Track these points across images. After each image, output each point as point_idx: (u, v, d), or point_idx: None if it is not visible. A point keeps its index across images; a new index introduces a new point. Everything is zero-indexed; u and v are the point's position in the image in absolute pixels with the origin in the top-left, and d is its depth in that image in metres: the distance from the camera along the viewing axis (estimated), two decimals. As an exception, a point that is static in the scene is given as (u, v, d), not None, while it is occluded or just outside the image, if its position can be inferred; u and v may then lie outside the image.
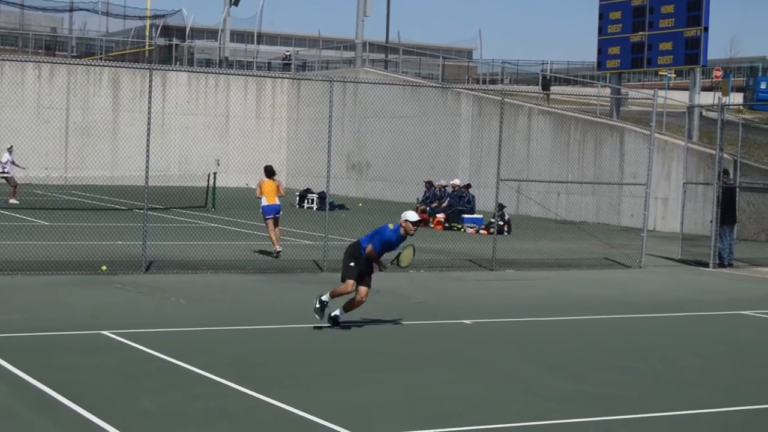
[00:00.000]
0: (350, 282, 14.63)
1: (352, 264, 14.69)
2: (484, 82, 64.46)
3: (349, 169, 51.68)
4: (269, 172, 24.37)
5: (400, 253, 15.11)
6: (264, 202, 23.89)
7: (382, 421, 10.02)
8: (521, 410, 10.71)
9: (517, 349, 14.31)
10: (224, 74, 56.68)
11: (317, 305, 14.67)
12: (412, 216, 14.89)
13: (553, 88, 55.27)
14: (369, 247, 14.65)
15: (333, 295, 14.72)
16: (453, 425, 9.98)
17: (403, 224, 14.74)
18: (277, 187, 24.07)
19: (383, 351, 13.78)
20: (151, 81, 21.17)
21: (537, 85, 55.34)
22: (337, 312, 14.88)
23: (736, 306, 19.28)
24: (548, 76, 58.97)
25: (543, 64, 70.47)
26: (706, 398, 11.64)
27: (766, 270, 25.33)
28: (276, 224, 23.85)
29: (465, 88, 49.21)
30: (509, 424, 10.10)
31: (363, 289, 14.73)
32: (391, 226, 14.83)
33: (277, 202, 23.97)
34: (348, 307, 14.88)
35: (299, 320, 15.64)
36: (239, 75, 57.12)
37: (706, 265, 25.58)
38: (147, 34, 72.68)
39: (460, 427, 9.94)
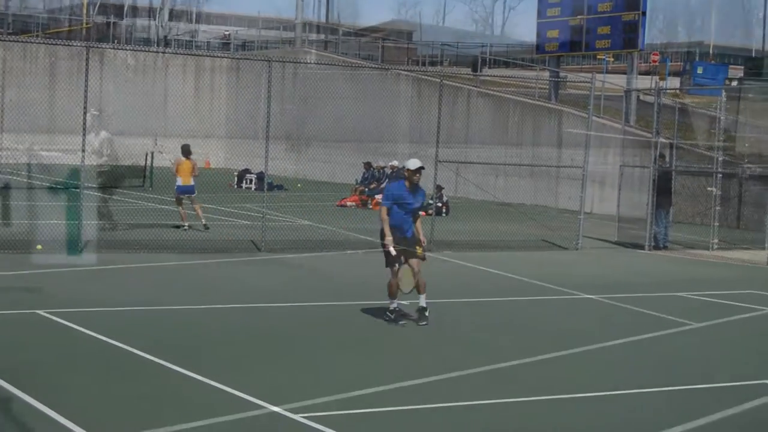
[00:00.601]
0: (394, 270, 14.06)
1: (384, 251, 14.09)
2: (423, 64, 64.48)
3: (287, 150, 51.50)
4: (186, 151, 24.99)
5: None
6: (179, 182, 24.84)
7: (311, 400, 10.02)
8: (443, 391, 10.81)
9: (447, 330, 14.35)
10: (162, 53, 56.25)
11: (389, 316, 14.25)
12: (411, 164, 14.45)
13: (492, 71, 55.43)
14: (381, 210, 14.12)
15: (391, 295, 14.16)
16: (379, 406, 10.07)
17: (406, 174, 14.39)
18: (192, 167, 24.96)
19: (316, 331, 13.75)
20: (87, 59, 20.95)
21: (476, 67, 55.39)
22: (421, 303, 14.21)
23: (670, 288, 19.48)
24: (485, 59, 59.13)
25: (482, 47, 70.67)
26: (627, 379, 11.78)
27: (701, 252, 25.62)
28: (192, 202, 24.76)
29: (404, 70, 49.22)
30: (430, 405, 10.21)
31: (414, 262, 14.11)
32: None
33: (192, 182, 24.84)
34: (419, 289, 14.18)
35: (235, 300, 15.62)
36: (178, 54, 56.67)
37: (642, 247, 25.84)
38: (84, 11, 71.87)
39: (384, 407, 10.05)
